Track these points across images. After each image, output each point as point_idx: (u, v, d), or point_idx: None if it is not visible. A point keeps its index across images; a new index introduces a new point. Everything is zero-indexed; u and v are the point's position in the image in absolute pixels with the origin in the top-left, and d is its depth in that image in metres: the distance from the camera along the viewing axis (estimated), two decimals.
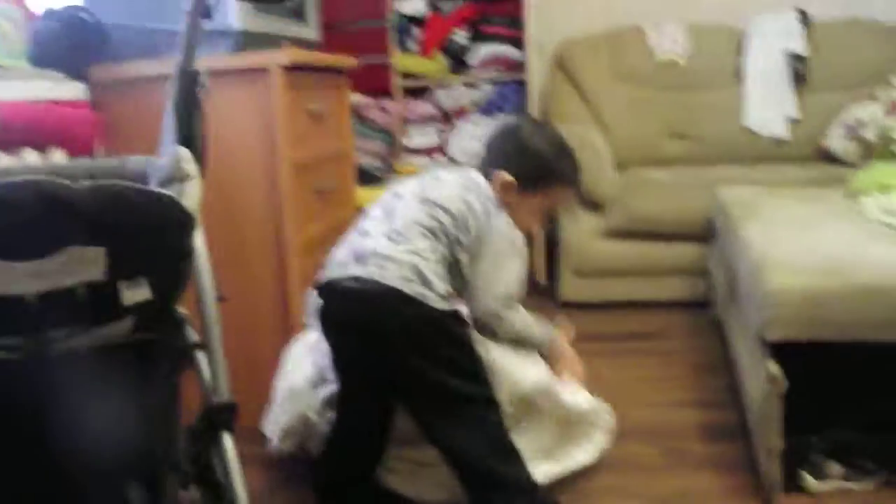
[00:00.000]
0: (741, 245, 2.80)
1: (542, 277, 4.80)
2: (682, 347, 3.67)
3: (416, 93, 5.17)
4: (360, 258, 2.17)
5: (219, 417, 1.70)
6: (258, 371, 2.78)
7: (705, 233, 3.97)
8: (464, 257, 2.23)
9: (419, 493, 2.41)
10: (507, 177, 2.35)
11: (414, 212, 2.23)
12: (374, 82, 5.13)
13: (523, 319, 2.41)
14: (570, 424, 2.49)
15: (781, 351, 2.30)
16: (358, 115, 5.10)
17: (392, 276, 2.11)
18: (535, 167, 2.38)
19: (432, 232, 2.20)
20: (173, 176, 1.61)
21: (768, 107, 4.73)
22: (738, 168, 4.49)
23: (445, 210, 2.23)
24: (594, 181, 4.18)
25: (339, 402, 2.37)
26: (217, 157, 2.73)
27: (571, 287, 4.37)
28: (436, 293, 2.13)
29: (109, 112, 2.84)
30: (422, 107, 5.10)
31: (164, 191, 1.46)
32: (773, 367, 2.22)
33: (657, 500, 2.40)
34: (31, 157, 2.36)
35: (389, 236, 2.19)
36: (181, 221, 1.45)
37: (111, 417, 1.69)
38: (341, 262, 2.22)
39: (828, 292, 2.29)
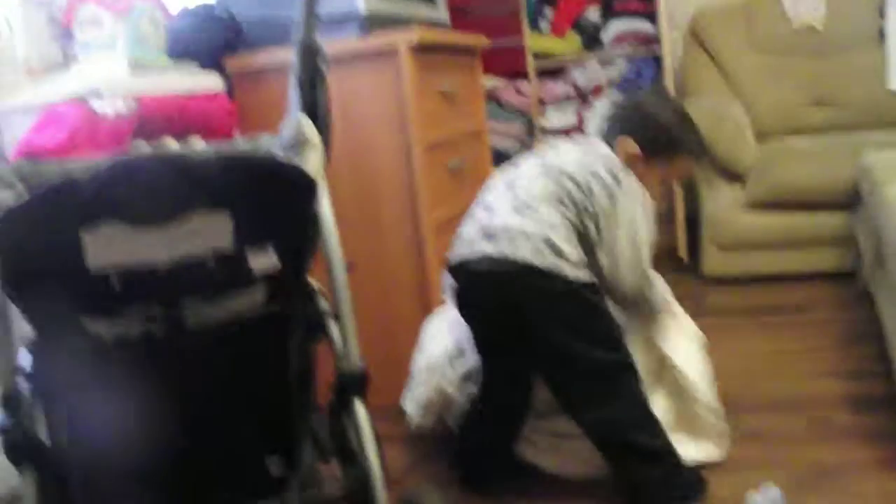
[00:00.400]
0: (887, 208, 2.71)
1: (683, 253, 4.73)
2: (829, 319, 3.57)
3: (551, 73, 5.14)
4: (488, 234, 2.18)
5: (350, 385, 1.72)
6: (397, 349, 2.81)
7: (850, 201, 3.86)
8: (591, 226, 2.21)
9: (558, 466, 2.40)
10: (632, 144, 2.34)
11: (537, 181, 2.23)
12: (508, 64, 5.13)
13: (659, 292, 2.38)
14: (684, 402, 2.44)
15: None
16: (493, 97, 5.10)
17: (523, 251, 2.11)
18: (658, 136, 2.36)
19: (559, 199, 2.18)
20: (295, 143, 1.63)
21: None
22: (883, 133, 4.33)
23: (569, 176, 2.22)
24: (734, 152, 4.11)
25: (482, 378, 2.38)
26: (351, 137, 2.78)
27: (714, 261, 4.29)
28: (569, 262, 2.12)
29: (245, 100, 2.90)
30: (557, 87, 5.08)
31: (284, 156, 1.48)
32: None
33: (803, 470, 2.34)
34: (171, 145, 2.42)
35: (516, 208, 2.18)
36: (303, 185, 1.47)
37: (249, 391, 1.73)
38: (470, 240, 2.23)
39: None
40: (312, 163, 1.54)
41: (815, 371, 3.03)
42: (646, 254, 2.30)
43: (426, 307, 2.85)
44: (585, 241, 2.21)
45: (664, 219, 5.10)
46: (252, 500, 1.56)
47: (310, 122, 1.67)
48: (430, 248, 2.84)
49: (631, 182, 2.27)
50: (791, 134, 4.59)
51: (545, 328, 2.15)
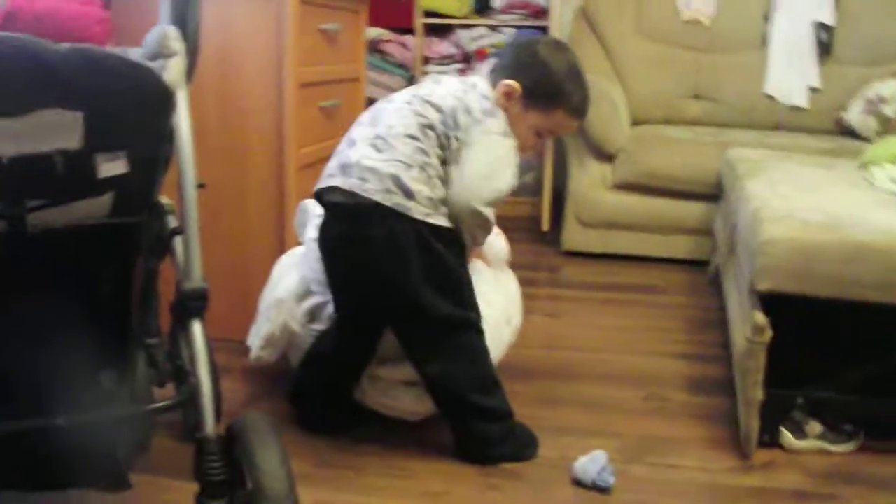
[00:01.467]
0: (744, 198, 2.78)
1: (546, 225, 4.78)
2: (679, 303, 3.66)
3: (438, 31, 5.13)
4: (344, 169, 2.17)
5: (189, 303, 1.68)
6: (249, 284, 2.79)
7: (714, 194, 3.95)
8: (451, 155, 2.19)
9: (395, 407, 2.41)
10: (513, 84, 2.27)
11: (400, 114, 2.21)
12: (397, 18, 5.11)
13: (490, 229, 2.35)
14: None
15: (771, 305, 2.28)
16: (377, 48, 5.08)
17: (372, 189, 2.11)
18: (544, 82, 2.28)
19: (420, 130, 2.17)
20: (158, 52, 1.59)
21: (791, 75, 4.68)
22: (754, 133, 4.45)
23: (435, 106, 2.20)
24: (607, 132, 4.15)
25: (333, 320, 2.37)
26: (225, 63, 2.73)
27: (575, 236, 4.34)
28: (419, 203, 2.12)
29: (122, 12, 2.82)
30: (443, 46, 5.08)
31: (145, 62, 1.44)
32: (760, 317, 2.20)
33: (635, 440, 2.40)
34: None
35: (374, 144, 2.17)
36: (159, 94, 1.44)
37: (88, 302, 1.69)
38: (329, 174, 2.22)
39: (822, 246, 2.26)
40: (173, 73, 1.50)
41: (660, 350, 3.10)
42: (502, 196, 2.26)
43: (282, 244, 2.82)
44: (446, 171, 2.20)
45: (531, 190, 5.17)
46: (80, 411, 1.52)
47: (176, 32, 1.63)
48: (291, 184, 2.81)
49: (500, 121, 2.24)
50: (666, 123, 4.67)
51: (385, 265, 2.15)
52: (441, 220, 2.17)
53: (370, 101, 3.72)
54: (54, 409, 1.51)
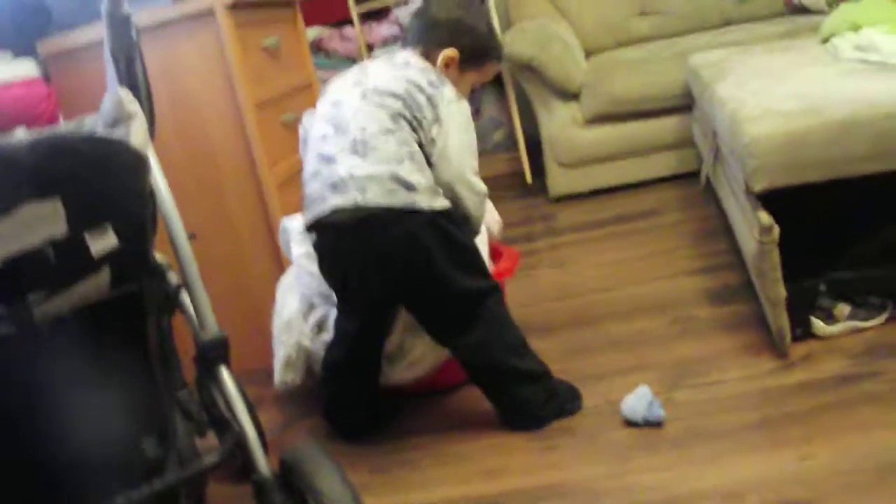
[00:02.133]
0: (717, 103, 2.77)
1: (529, 177, 4.77)
2: (677, 220, 3.66)
3: (375, 16, 5.10)
4: (336, 187, 2.15)
5: (211, 352, 1.69)
6: (255, 311, 2.80)
7: (685, 105, 3.94)
8: (423, 136, 2.21)
9: (406, 375, 2.46)
10: (452, 52, 2.34)
11: (363, 113, 2.20)
12: (331, 13, 5.08)
13: (484, 196, 2.37)
14: None
15: (771, 202, 2.28)
16: (319, 47, 5.06)
17: (375, 195, 2.11)
18: (475, 45, 2.39)
19: (392, 121, 2.18)
20: (117, 118, 1.59)
21: None
22: (707, 35, 4.41)
23: (391, 94, 2.21)
24: (565, 71, 4.14)
25: (342, 331, 2.37)
26: (179, 106, 2.72)
27: (560, 181, 4.33)
28: (422, 193, 2.13)
29: (64, 83, 2.81)
30: (383, 28, 5.06)
31: (107, 132, 1.43)
32: (764, 217, 2.20)
33: (673, 367, 2.40)
34: None
35: (355, 151, 2.16)
36: (131, 160, 1.43)
37: (112, 376, 1.69)
38: (320, 197, 2.20)
39: (807, 132, 2.25)
40: (138, 135, 1.49)
41: (672, 271, 3.10)
42: (475, 155, 2.30)
43: (280, 265, 2.82)
44: (423, 154, 2.21)
45: (505, 146, 5.15)
46: (132, 486, 1.53)
47: (129, 94, 1.62)
48: (274, 205, 2.80)
49: (450, 88, 2.27)
50: (619, 47, 4.66)
51: (411, 262, 2.16)
52: (444, 202, 2.18)
53: None
54: (108, 490, 1.51)
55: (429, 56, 2.36)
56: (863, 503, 1.72)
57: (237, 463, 2.24)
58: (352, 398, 2.42)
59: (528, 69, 4.17)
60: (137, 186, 1.49)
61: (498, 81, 5.06)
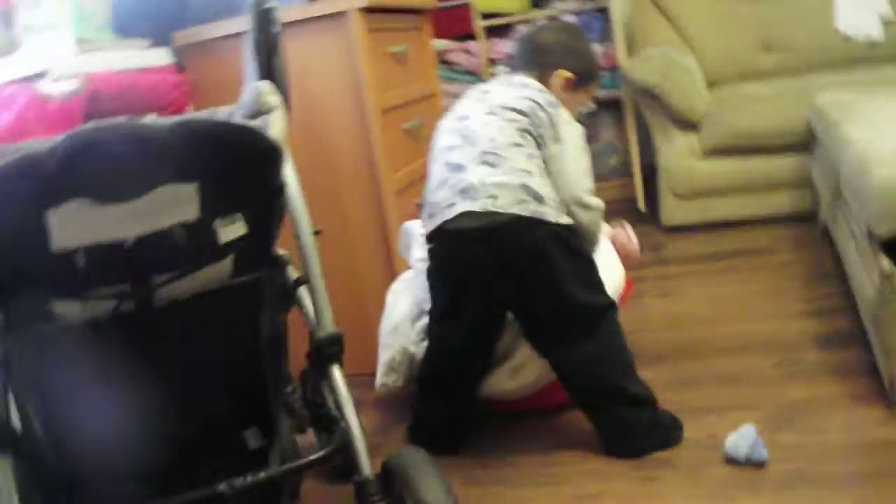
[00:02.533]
0: (843, 144, 2.72)
1: (642, 205, 4.75)
2: (791, 260, 3.59)
3: (499, 31, 5.11)
4: (466, 193, 2.18)
5: (326, 350, 1.70)
6: (364, 316, 2.82)
7: (805, 143, 3.88)
8: (546, 151, 2.27)
9: (512, 392, 2.45)
10: (568, 73, 2.44)
11: (492, 126, 2.25)
12: (456, 26, 5.10)
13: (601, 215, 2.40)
14: None
15: (893, 249, 2.23)
16: (442, 59, 5.08)
17: (507, 203, 2.14)
18: (586, 65, 2.50)
19: (520, 136, 2.23)
20: (257, 110, 1.61)
21: (859, 8, 4.57)
22: (833, 74, 4.33)
23: (517, 111, 2.27)
24: (687, 101, 4.11)
25: (446, 340, 2.37)
26: (306, 104, 2.75)
27: (673, 210, 4.30)
28: (550, 206, 2.16)
29: (196, 74, 2.86)
30: (506, 45, 5.06)
31: (248, 122, 1.46)
32: (886, 262, 2.16)
33: (778, 409, 2.36)
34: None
35: (484, 161, 2.19)
36: (268, 152, 1.45)
37: (222, 364, 1.71)
38: (447, 203, 2.22)
39: None
40: (278, 128, 1.51)
41: (782, 312, 3.05)
42: (591, 175, 2.36)
43: (392, 271, 2.84)
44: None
45: (619, 172, 5.13)
46: (232, 475, 1.54)
47: (271, 87, 1.65)
48: (391, 212, 2.82)
49: (565, 110, 2.35)
50: (742, 80, 4.60)
51: (535, 272, 2.17)
52: (568, 218, 2.22)
53: None
54: (210, 478, 1.53)
55: (542, 78, 2.45)
56: None
57: (336, 463, 2.28)
58: (446, 416, 2.42)
59: (650, 96, 4.15)
60: (271, 177, 1.51)
61: (616, 107, 5.04)
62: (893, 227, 2.23)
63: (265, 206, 1.52)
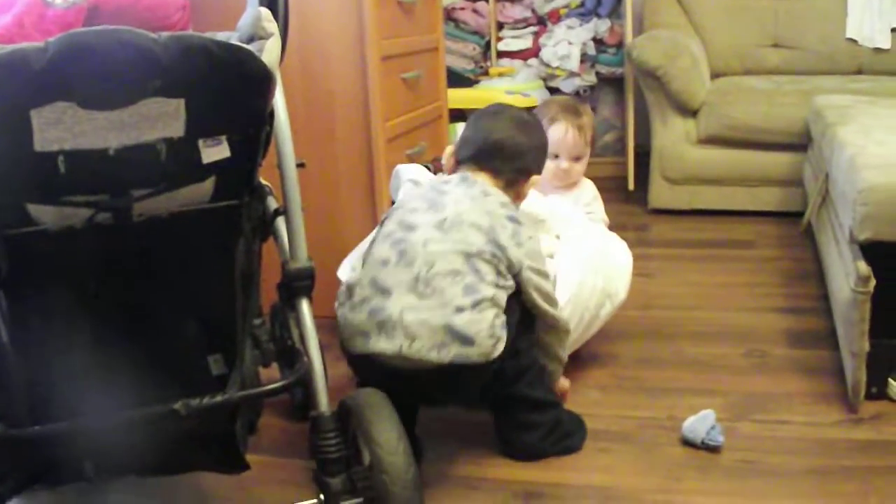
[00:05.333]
0: (837, 146, 2.73)
1: (631, 184, 4.75)
2: (773, 256, 3.61)
3: None
4: (383, 327, 1.94)
5: (296, 282, 1.70)
6: (340, 259, 2.79)
7: (801, 142, 3.88)
8: (503, 267, 2.03)
9: None
10: (538, 175, 2.30)
11: (436, 246, 2.01)
12: None
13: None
14: None
15: (872, 255, 2.24)
16: (450, 17, 5.07)
17: (422, 347, 1.92)
18: (541, 152, 2.34)
19: (466, 260, 1.99)
20: (254, 34, 1.60)
21: (872, 16, 4.56)
22: (837, 79, 4.35)
23: (474, 226, 2.05)
24: (689, 87, 4.11)
25: None
26: (306, 42, 2.74)
27: (662, 194, 4.31)
28: (479, 345, 1.94)
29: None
30: (515, 10, 5.05)
31: (243, 44, 1.44)
32: (863, 266, 2.16)
33: (741, 398, 2.37)
34: None
35: (415, 289, 1.97)
36: (260, 76, 1.43)
37: (193, 287, 1.71)
38: (362, 331, 1.99)
39: None
40: (270, 52, 1.50)
41: (757, 305, 3.06)
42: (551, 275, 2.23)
43: (374, 218, 2.83)
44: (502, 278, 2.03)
45: (613, 150, 5.13)
46: (192, 398, 1.53)
47: (268, 13, 1.64)
48: (380, 158, 2.81)
49: (523, 214, 2.22)
50: (746, 73, 4.61)
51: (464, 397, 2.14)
52: (502, 346, 1.99)
53: (450, 72, 3.75)
54: (168, 396, 1.53)
55: (510, 185, 2.24)
56: None
57: (295, 399, 2.28)
58: None
59: (653, 77, 4.14)
60: (260, 103, 1.49)
61: (618, 85, 5.04)
62: (874, 233, 2.24)
63: (251, 131, 1.51)
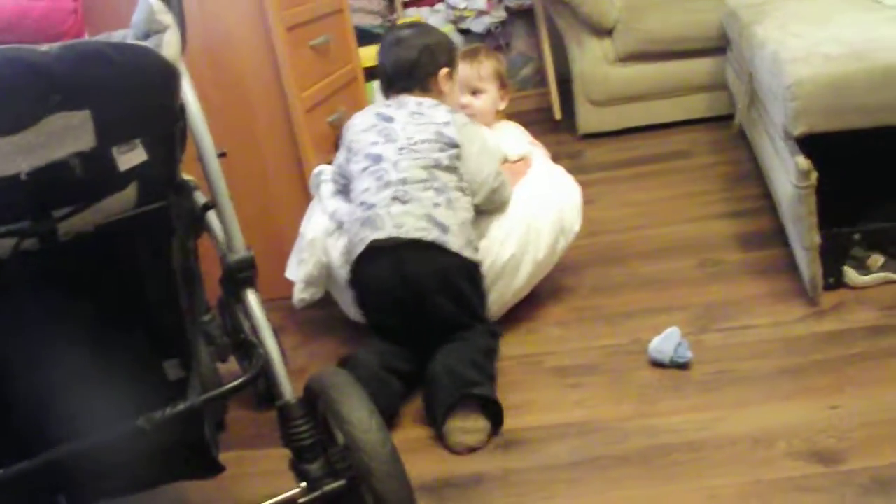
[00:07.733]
0: (757, 45, 2.71)
1: (558, 113, 4.72)
2: (709, 163, 3.61)
3: None
4: (372, 222, 2.27)
5: (238, 274, 1.66)
6: (279, 238, 2.77)
7: (719, 46, 3.88)
8: (457, 163, 2.38)
9: None
10: (444, 71, 2.53)
11: (403, 163, 2.33)
12: None
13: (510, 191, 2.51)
14: None
15: (809, 148, 2.23)
16: None
17: (410, 229, 2.22)
18: (448, 53, 2.57)
19: (428, 172, 2.32)
20: (149, 30, 1.54)
21: None
22: None
23: (425, 141, 2.35)
24: (599, 7, 4.08)
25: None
26: (207, 26, 2.67)
27: (590, 118, 4.29)
28: (455, 237, 2.24)
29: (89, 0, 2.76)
30: None
31: (140, 42, 1.39)
32: (803, 161, 2.15)
33: (702, 310, 2.37)
34: None
35: (396, 197, 2.27)
36: (163, 72, 1.38)
37: (135, 296, 1.66)
38: (359, 239, 2.29)
39: (850, 77, 2.20)
40: (170, 46, 1.44)
41: (702, 214, 3.07)
42: (497, 159, 2.50)
43: (304, 192, 2.77)
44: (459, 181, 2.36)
45: (533, 82, 5.10)
46: (155, 408, 1.50)
47: (162, 5, 1.58)
48: (303, 131, 2.75)
49: (459, 115, 2.47)
50: None
51: (434, 298, 2.22)
52: (472, 254, 2.29)
53: (358, 30, 3.69)
54: (129, 413, 1.49)
55: (426, 89, 2.51)
56: (892, 453, 1.69)
57: (259, 389, 2.25)
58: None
59: (561, 3, 4.11)
60: (168, 99, 1.44)
61: (528, 16, 5.00)
62: (808, 126, 2.23)
63: (164, 129, 1.46)
